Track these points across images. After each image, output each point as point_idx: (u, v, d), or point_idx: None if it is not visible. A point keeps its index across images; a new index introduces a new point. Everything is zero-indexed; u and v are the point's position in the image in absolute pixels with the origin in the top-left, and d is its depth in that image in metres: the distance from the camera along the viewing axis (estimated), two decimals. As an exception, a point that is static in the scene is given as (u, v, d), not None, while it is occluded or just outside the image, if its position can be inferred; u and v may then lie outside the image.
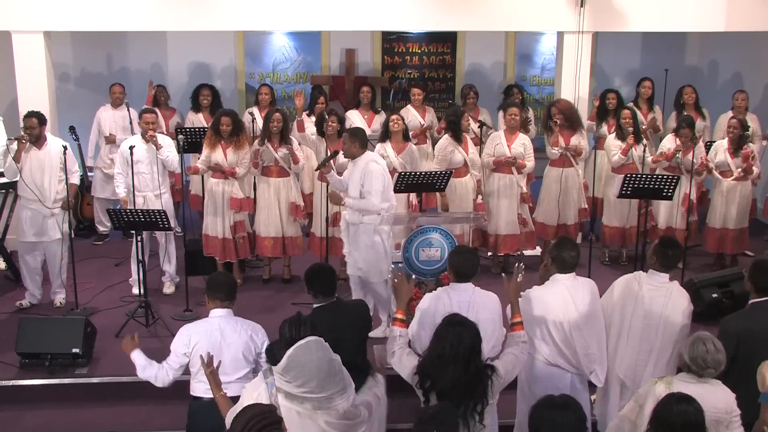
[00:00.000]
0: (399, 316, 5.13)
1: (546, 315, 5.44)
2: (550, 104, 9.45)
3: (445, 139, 8.85)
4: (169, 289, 8.71)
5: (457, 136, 8.77)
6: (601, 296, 5.72)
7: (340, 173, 7.77)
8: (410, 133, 9.15)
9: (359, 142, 7.32)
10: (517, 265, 5.38)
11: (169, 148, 8.42)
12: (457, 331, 4.51)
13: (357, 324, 5.45)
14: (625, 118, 9.13)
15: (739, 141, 8.96)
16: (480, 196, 8.93)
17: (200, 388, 5.26)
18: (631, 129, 9.08)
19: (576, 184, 9.30)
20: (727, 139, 9.08)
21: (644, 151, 9.01)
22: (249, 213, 8.85)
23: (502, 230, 9.06)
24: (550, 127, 9.22)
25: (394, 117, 8.77)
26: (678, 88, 10.56)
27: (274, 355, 4.47)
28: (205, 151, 8.60)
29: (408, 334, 5.23)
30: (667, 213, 9.21)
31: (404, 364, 4.81)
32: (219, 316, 5.32)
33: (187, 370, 5.36)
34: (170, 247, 8.64)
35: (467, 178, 8.93)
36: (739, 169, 8.92)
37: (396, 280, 5.28)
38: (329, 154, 7.89)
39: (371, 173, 7.20)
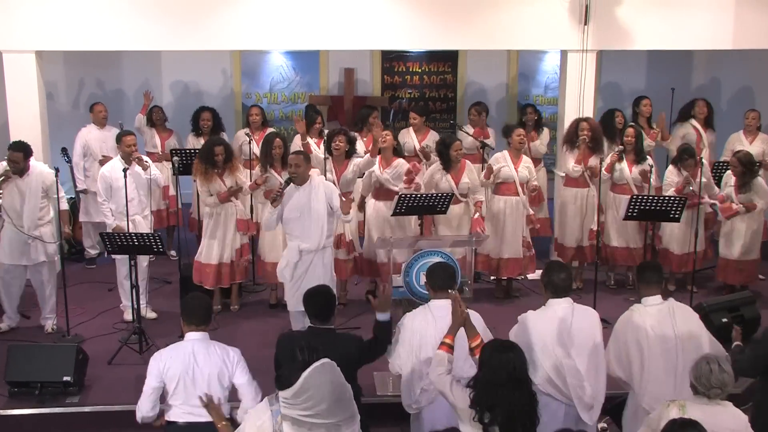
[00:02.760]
0: (448, 341, 5.09)
1: (538, 340, 5.41)
2: (578, 120, 9.43)
3: (435, 165, 8.86)
4: (151, 313, 8.69)
5: (447, 165, 8.72)
6: (606, 322, 5.69)
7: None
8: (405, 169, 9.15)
9: (309, 163, 7.59)
10: (453, 293, 5.31)
11: (153, 166, 8.54)
12: (514, 356, 4.57)
13: (348, 353, 5.34)
14: (627, 135, 9.15)
15: (743, 177, 8.90)
16: (477, 213, 8.79)
17: (175, 413, 5.33)
18: (631, 147, 9.09)
19: (592, 205, 9.32)
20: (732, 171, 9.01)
21: (650, 172, 9.02)
22: (253, 236, 8.89)
23: (505, 253, 9.06)
24: (575, 143, 9.25)
25: (383, 132, 8.77)
26: (690, 100, 10.57)
27: (282, 380, 4.46)
28: (202, 185, 8.54)
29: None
30: (675, 235, 9.21)
31: (456, 394, 4.79)
32: (193, 339, 5.37)
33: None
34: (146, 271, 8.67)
35: (458, 206, 8.82)
36: (741, 205, 8.90)
37: (453, 302, 5.21)
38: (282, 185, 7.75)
39: (333, 189, 7.61)
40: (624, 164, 9.14)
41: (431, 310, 5.58)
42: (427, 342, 5.44)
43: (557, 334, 5.39)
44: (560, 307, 5.48)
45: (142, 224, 8.42)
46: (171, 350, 5.40)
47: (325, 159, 8.67)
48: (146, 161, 8.40)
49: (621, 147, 9.15)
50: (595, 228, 9.21)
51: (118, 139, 8.56)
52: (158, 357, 5.39)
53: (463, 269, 7.42)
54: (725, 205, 8.92)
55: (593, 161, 9.24)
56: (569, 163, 9.33)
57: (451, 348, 5.06)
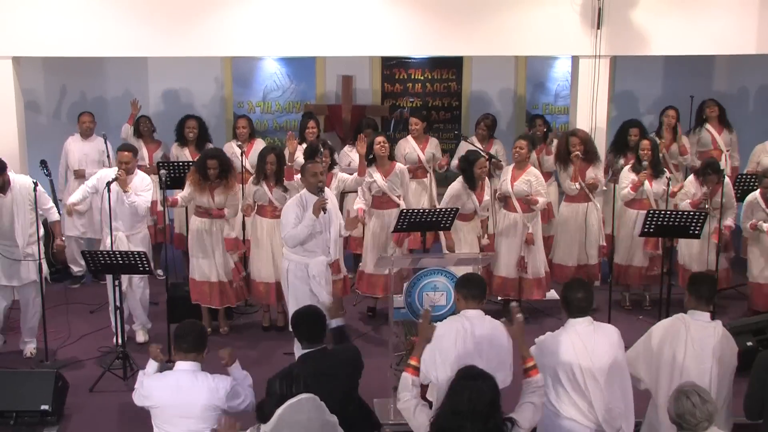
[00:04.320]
0: (413, 363, 5.08)
1: (556, 363, 5.43)
2: (567, 134, 9.49)
3: (459, 183, 8.77)
4: (142, 337, 8.69)
5: (471, 183, 8.70)
6: (626, 344, 5.69)
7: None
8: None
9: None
10: (512, 305, 5.44)
11: (142, 190, 8.40)
12: (476, 385, 4.50)
13: (345, 372, 5.44)
14: (643, 149, 9.16)
15: None
16: (486, 236, 8.91)
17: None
18: (647, 162, 9.10)
19: (596, 220, 9.31)
20: (759, 191, 8.96)
21: (668, 184, 9.02)
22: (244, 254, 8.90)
23: (497, 270, 9.12)
24: (567, 159, 9.26)
25: (379, 139, 8.87)
26: (699, 104, 10.62)
27: (264, 413, 4.46)
28: (188, 188, 8.61)
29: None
30: (693, 253, 9.20)
31: (418, 419, 4.79)
32: (181, 370, 5.41)
33: None
34: (145, 291, 8.64)
35: (474, 222, 8.89)
36: None
37: (421, 321, 5.23)
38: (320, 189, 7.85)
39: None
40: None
41: (468, 318, 5.61)
42: (466, 352, 5.46)
43: (578, 356, 5.40)
44: (581, 326, 5.50)
45: (124, 243, 8.34)
46: (158, 378, 5.45)
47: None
48: (128, 187, 8.27)
49: (645, 163, 9.12)
50: (604, 244, 9.20)
51: (117, 151, 8.57)
52: (144, 386, 5.51)
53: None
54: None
55: (591, 173, 9.25)
56: (565, 181, 9.40)
57: (417, 370, 5.05)
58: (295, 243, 7.63)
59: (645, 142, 9.22)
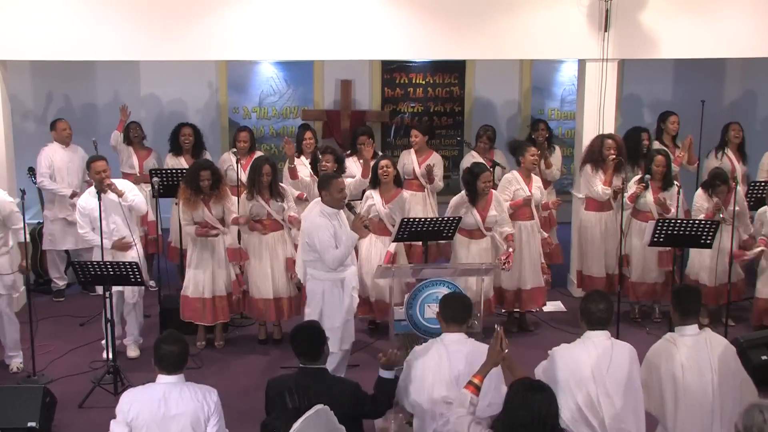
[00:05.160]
0: (476, 381, 5.13)
1: (571, 376, 5.41)
2: (602, 137, 9.53)
3: (460, 195, 8.74)
4: (133, 352, 8.68)
5: (473, 197, 8.64)
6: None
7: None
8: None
9: None
10: (496, 329, 5.33)
11: (131, 192, 8.47)
12: (542, 398, 4.56)
13: (340, 399, 5.29)
14: (657, 164, 9.13)
15: None
16: (511, 249, 8.70)
17: None
18: (660, 176, 9.11)
19: (615, 230, 9.36)
20: None
21: (678, 193, 9.02)
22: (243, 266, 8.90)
23: (528, 284, 9.06)
24: (600, 162, 9.32)
25: (383, 163, 8.77)
26: (724, 125, 10.59)
27: (270, 429, 4.44)
28: (185, 211, 8.56)
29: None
30: (706, 264, 9.20)
31: None
32: (166, 382, 5.32)
33: None
34: (138, 304, 8.64)
35: (484, 240, 8.81)
36: None
37: (494, 339, 5.25)
38: (352, 207, 7.80)
39: None
40: (648, 192, 9.17)
41: (444, 344, 5.59)
42: (441, 379, 5.47)
43: (594, 369, 5.39)
44: (598, 340, 5.50)
45: (123, 255, 8.37)
46: (141, 392, 5.36)
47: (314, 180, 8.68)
48: (121, 189, 8.33)
49: (648, 176, 9.15)
50: (626, 253, 9.22)
51: (88, 165, 8.56)
52: (128, 398, 5.35)
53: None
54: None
55: (616, 181, 9.29)
56: (597, 185, 9.41)
57: (477, 389, 5.09)
58: (340, 264, 7.38)
59: (660, 158, 9.16)
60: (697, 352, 5.62)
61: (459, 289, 7.04)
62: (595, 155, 9.45)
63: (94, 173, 8.31)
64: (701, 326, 5.80)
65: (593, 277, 9.59)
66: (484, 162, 9.99)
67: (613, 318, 5.66)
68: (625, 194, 9.04)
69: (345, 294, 7.46)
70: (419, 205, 9.89)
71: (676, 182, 9.27)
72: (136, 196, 8.51)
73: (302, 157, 9.76)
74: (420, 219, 8.31)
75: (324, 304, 7.43)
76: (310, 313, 7.45)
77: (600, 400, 5.37)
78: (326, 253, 7.23)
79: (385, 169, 8.73)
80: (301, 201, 9.21)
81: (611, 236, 9.48)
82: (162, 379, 5.33)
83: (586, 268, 9.67)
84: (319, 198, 7.53)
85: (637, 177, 9.39)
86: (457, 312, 5.65)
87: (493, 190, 8.78)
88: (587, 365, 5.41)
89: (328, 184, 7.42)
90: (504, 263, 8.47)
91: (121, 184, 8.49)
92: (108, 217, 8.27)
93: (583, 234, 9.63)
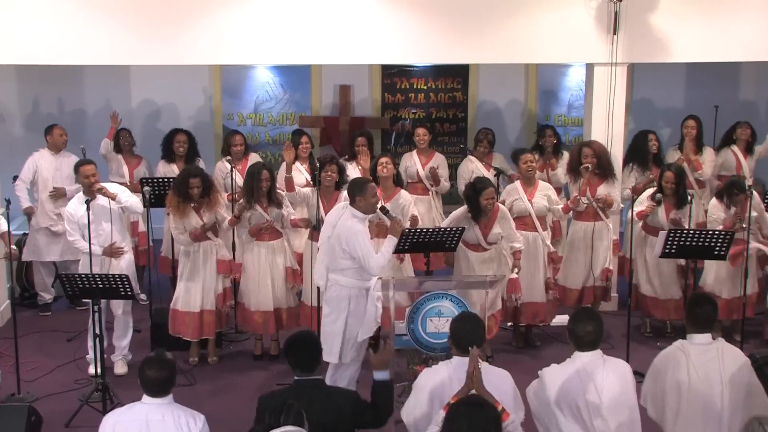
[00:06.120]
0: (453, 402, 5.10)
1: (561, 399, 5.39)
2: (581, 145, 9.54)
3: (463, 210, 8.68)
4: (121, 368, 8.67)
5: (476, 214, 8.56)
6: (641, 375, 5.68)
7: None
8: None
9: None
10: (471, 350, 5.25)
11: (124, 193, 8.49)
12: (471, 413, 4.49)
13: (338, 410, 5.35)
14: (667, 181, 9.08)
15: None
16: (516, 270, 8.70)
17: None
18: (670, 192, 9.07)
19: (605, 241, 9.32)
20: None
21: (691, 201, 9.01)
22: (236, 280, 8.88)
23: (525, 297, 9.03)
24: (578, 171, 9.29)
25: (383, 160, 8.84)
26: (732, 124, 10.63)
27: None
28: (175, 220, 8.60)
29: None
30: (721, 277, 9.20)
31: None
32: (150, 403, 5.28)
33: None
34: (128, 318, 8.62)
35: (488, 254, 8.76)
36: None
37: (470, 360, 5.22)
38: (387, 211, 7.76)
39: None
40: (660, 208, 9.15)
41: (455, 369, 5.46)
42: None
43: (584, 393, 5.37)
44: (588, 359, 5.46)
45: (114, 264, 8.39)
46: (123, 412, 5.34)
47: (319, 190, 8.65)
48: (113, 192, 8.36)
49: (659, 195, 9.11)
50: (609, 267, 9.19)
51: (76, 169, 8.58)
52: (111, 419, 5.34)
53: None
54: None
55: (603, 190, 9.27)
56: (573, 194, 9.43)
57: None
58: (381, 270, 7.38)
59: (669, 175, 9.09)
60: (707, 363, 5.62)
61: (463, 303, 7.03)
62: (574, 164, 9.45)
63: (82, 178, 8.34)
64: (715, 336, 5.78)
65: (567, 288, 9.53)
66: (483, 167, 10.02)
67: (603, 336, 5.62)
68: (635, 208, 9.02)
69: (370, 303, 7.42)
70: (425, 210, 9.92)
71: (689, 190, 9.26)
72: (130, 197, 8.51)
73: (297, 163, 9.77)
74: (421, 229, 8.30)
75: (349, 314, 7.41)
76: (331, 322, 7.45)
77: (593, 422, 5.34)
78: (370, 260, 7.21)
79: (384, 165, 8.76)
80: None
81: (598, 247, 9.36)
82: (147, 399, 5.30)
83: (562, 278, 9.61)
84: (345, 203, 7.55)
85: (650, 191, 9.35)
86: (471, 336, 5.49)
87: (500, 205, 8.73)
88: (578, 387, 5.38)
89: (363, 189, 7.38)
90: (514, 299, 8.56)
91: (112, 187, 8.51)
92: (98, 225, 8.27)
93: (569, 244, 9.63)
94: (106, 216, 8.35)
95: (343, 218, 7.36)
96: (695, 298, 6.00)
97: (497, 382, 5.38)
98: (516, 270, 8.64)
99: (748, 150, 10.52)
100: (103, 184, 8.40)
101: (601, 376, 5.41)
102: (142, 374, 5.31)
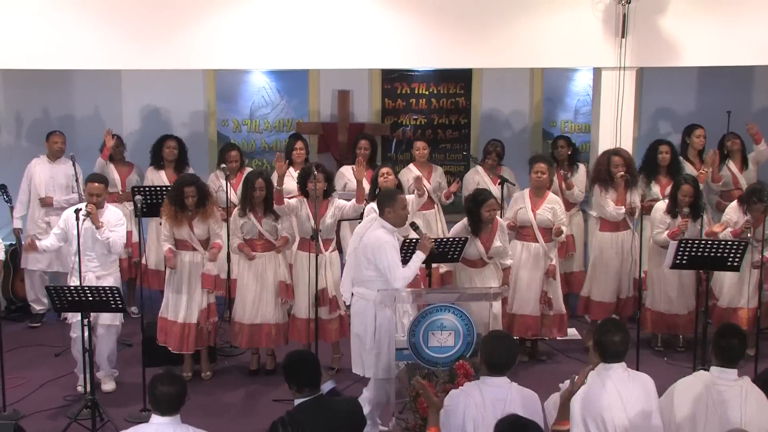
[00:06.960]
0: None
1: (586, 414, 5.40)
2: (609, 153, 9.56)
3: (462, 225, 8.69)
4: (108, 385, 8.65)
5: (476, 227, 8.58)
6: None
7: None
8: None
9: None
10: (572, 378, 5.23)
11: (115, 226, 8.40)
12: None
13: (347, 425, 5.41)
14: (685, 195, 9.06)
15: None
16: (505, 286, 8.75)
17: None
18: (687, 209, 9.02)
19: (632, 250, 9.39)
20: None
21: (702, 212, 9.01)
22: (222, 295, 8.86)
23: (515, 307, 9.09)
24: (609, 181, 9.34)
25: (384, 170, 8.88)
26: (719, 139, 10.64)
27: None
28: (166, 226, 8.62)
29: None
30: (732, 289, 9.19)
31: None
32: (158, 423, 5.27)
33: None
34: (111, 335, 8.58)
35: (487, 269, 8.77)
36: None
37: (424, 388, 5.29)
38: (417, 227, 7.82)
39: None
40: (677, 219, 9.14)
41: (489, 389, 5.43)
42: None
43: (611, 406, 5.38)
44: (615, 374, 5.48)
45: (94, 284, 8.31)
46: None
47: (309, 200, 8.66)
48: (101, 221, 8.25)
49: (687, 210, 8.98)
50: (644, 276, 9.20)
51: (86, 181, 8.57)
52: None
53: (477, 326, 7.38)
54: None
55: (629, 198, 9.33)
56: (609, 206, 9.42)
57: None
58: (407, 284, 7.38)
59: (686, 188, 9.05)
60: (727, 402, 5.55)
61: (465, 315, 7.02)
62: (603, 174, 9.47)
63: (87, 192, 8.38)
64: (741, 374, 5.69)
65: (604, 303, 9.57)
66: (490, 179, 10.03)
67: (626, 351, 5.62)
68: (653, 225, 9.04)
69: (396, 316, 7.43)
70: (432, 222, 9.94)
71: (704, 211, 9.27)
72: (115, 233, 8.37)
73: (290, 169, 9.75)
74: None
75: (376, 328, 7.39)
76: (358, 334, 7.49)
77: (617, 437, 5.36)
78: (395, 272, 7.23)
79: (386, 176, 8.81)
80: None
81: (627, 257, 9.47)
82: (155, 419, 5.29)
83: (593, 292, 9.65)
84: (374, 215, 7.62)
85: (663, 208, 9.25)
86: (504, 356, 5.47)
87: (498, 218, 8.77)
88: (605, 401, 5.39)
89: (392, 200, 7.42)
90: None
91: (108, 215, 8.42)
92: (86, 240, 8.24)
93: (599, 256, 9.62)
94: (91, 239, 8.32)
95: (371, 229, 7.41)
96: (722, 330, 5.86)
97: (527, 403, 5.41)
98: (505, 287, 8.65)
99: (742, 161, 10.52)
100: (103, 210, 8.36)
101: (628, 390, 5.44)
102: (153, 391, 5.31)
